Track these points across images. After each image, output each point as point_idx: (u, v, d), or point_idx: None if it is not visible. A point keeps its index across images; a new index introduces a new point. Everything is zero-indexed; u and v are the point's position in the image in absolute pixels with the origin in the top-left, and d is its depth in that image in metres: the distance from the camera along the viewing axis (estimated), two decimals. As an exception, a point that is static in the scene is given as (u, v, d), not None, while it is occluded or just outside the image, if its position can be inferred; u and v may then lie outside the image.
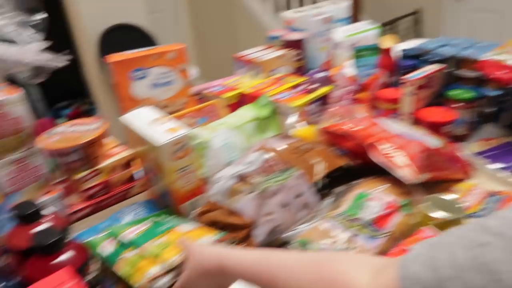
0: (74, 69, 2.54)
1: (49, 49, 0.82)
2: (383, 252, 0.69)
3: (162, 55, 1.10)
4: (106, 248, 0.67)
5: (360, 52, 1.27)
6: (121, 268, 0.63)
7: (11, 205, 0.75)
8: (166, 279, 0.61)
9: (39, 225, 0.60)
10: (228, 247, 0.57)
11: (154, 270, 0.60)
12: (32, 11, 0.87)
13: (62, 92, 2.71)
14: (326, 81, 1.27)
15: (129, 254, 0.65)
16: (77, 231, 0.79)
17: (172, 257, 0.62)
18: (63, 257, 0.53)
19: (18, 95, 0.76)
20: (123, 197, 0.96)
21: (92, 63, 2.55)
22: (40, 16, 0.89)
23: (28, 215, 0.58)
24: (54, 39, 0.91)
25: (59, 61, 0.85)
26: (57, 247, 0.52)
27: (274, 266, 0.49)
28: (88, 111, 2.82)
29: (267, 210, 0.76)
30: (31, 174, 0.79)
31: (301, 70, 1.35)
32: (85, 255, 0.55)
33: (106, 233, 0.71)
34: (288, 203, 0.78)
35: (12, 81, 0.84)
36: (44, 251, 0.52)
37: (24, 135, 0.77)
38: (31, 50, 0.86)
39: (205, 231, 0.71)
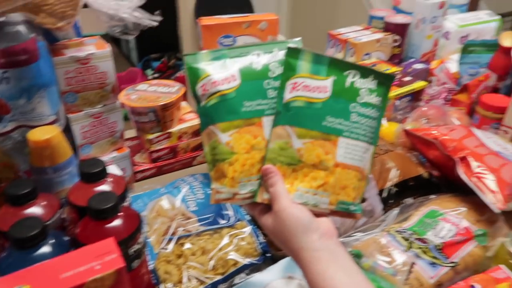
0: (170, 24, 2.59)
1: (146, 5, 0.82)
2: (440, 284, 0.62)
3: (254, 24, 1.06)
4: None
5: (471, 47, 1.12)
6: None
7: (81, 158, 0.79)
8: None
9: (102, 184, 0.61)
10: (314, 250, 0.47)
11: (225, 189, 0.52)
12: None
13: (155, 44, 2.80)
14: (423, 74, 1.15)
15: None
16: (137, 191, 0.82)
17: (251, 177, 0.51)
18: (114, 224, 0.54)
19: (107, 51, 0.78)
20: (187, 164, 0.97)
21: (188, 19, 2.58)
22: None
23: (92, 173, 0.60)
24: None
25: (152, 20, 0.85)
26: (110, 213, 0.53)
27: None
28: (175, 66, 2.91)
29: (326, 209, 0.72)
30: (106, 129, 0.82)
31: (397, 57, 1.24)
32: (136, 224, 0.56)
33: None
34: (350, 206, 0.73)
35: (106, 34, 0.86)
36: (97, 215, 0.53)
37: (107, 91, 0.79)
38: (127, 6, 0.86)
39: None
